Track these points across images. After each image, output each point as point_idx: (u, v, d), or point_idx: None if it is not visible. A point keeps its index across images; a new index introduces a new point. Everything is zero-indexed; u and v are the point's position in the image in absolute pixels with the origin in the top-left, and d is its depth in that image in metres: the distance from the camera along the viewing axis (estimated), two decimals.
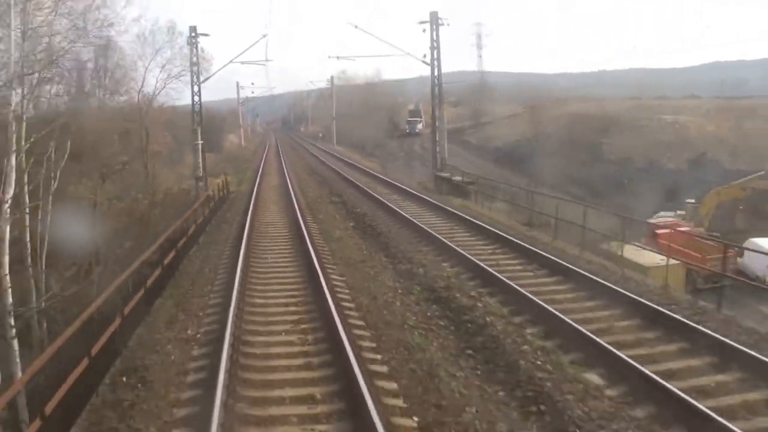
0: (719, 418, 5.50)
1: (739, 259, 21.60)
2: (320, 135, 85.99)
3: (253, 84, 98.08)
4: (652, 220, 25.98)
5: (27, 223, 12.35)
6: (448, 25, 25.78)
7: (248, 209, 18.15)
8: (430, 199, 19.46)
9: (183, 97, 30.30)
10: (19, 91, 11.12)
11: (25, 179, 12.13)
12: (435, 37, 25.15)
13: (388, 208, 18.17)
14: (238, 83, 63.54)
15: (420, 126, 75.66)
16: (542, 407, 6.10)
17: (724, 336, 7.49)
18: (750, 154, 44.43)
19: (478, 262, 11.28)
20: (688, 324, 7.93)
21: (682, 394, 5.96)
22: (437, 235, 13.69)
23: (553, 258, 11.34)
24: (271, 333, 8.26)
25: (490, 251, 12.78)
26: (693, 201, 36.19)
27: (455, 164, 47.41)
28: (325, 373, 6.85)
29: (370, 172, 30.49)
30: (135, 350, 7.84)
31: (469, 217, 15.90)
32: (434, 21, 24.85)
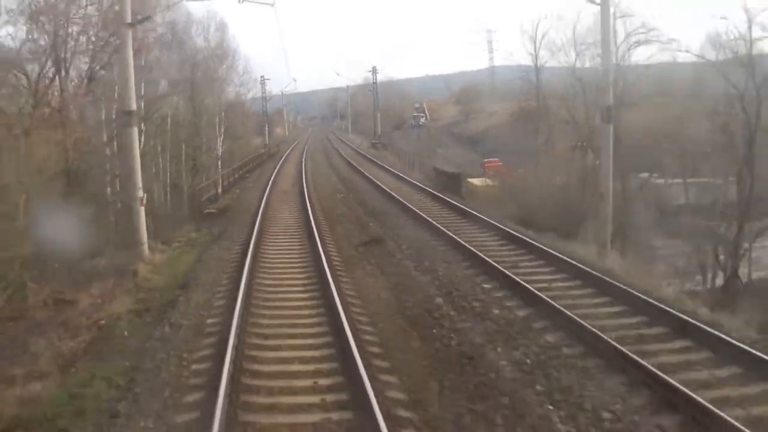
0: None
1: None
2: (343, 127, 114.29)
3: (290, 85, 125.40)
4: (485, 161, 52.86)
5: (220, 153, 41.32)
6: (382, 71, 53.70)
7: (283, 156, 46.89)
8: (362, 151, 47.68)
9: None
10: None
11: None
12: (374, 79, 54.01)
13: (340, 155, 46.41)
14: (282, 93, 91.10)
15: (422, 120, 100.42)
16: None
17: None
18: None
19: (360, 168, 39.26)
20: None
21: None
22: (349, 159, 41.73)
23: (415, 181, 39.06)
24: (289, 166, 36.75)
25: (375, 170, 40.79)
26: None
27: (431, 147, 74.52)
28: (299, 169, 35.34)
29: (350, 144, 58.79)
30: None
31: (370, 156, 43.88)
32: (374, 71, 53.66)
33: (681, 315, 8.38)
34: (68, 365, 7.77)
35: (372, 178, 27.62)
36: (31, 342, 8.62)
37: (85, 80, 18.01)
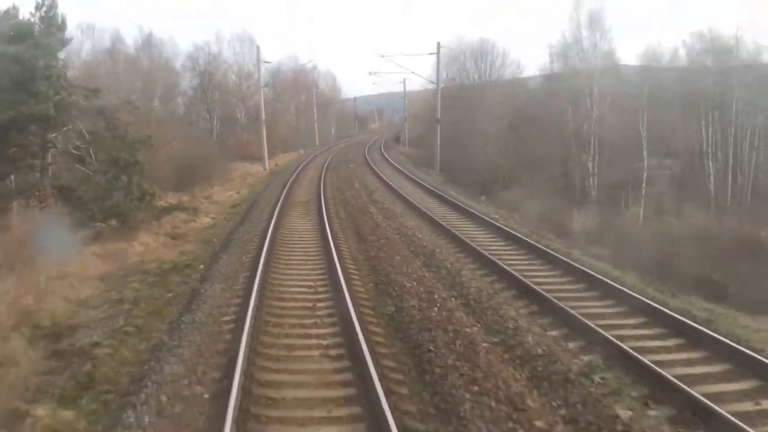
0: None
1: None
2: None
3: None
4: None
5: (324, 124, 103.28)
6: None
7: (362, 135, 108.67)
8: (388, 135, 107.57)
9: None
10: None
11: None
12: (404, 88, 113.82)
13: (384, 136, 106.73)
14: (376, 107, 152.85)
15: None
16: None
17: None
18: None
19: (379, 139, 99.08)
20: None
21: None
22: (381, 136, 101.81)
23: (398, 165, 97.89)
24: (361, 138, 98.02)
25: (379, 139, 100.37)
26: None
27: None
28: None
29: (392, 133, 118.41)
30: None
31: (382, 148, 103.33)
32: (406, 93, 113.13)
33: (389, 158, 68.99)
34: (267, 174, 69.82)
35: (377, 138, 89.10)
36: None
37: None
